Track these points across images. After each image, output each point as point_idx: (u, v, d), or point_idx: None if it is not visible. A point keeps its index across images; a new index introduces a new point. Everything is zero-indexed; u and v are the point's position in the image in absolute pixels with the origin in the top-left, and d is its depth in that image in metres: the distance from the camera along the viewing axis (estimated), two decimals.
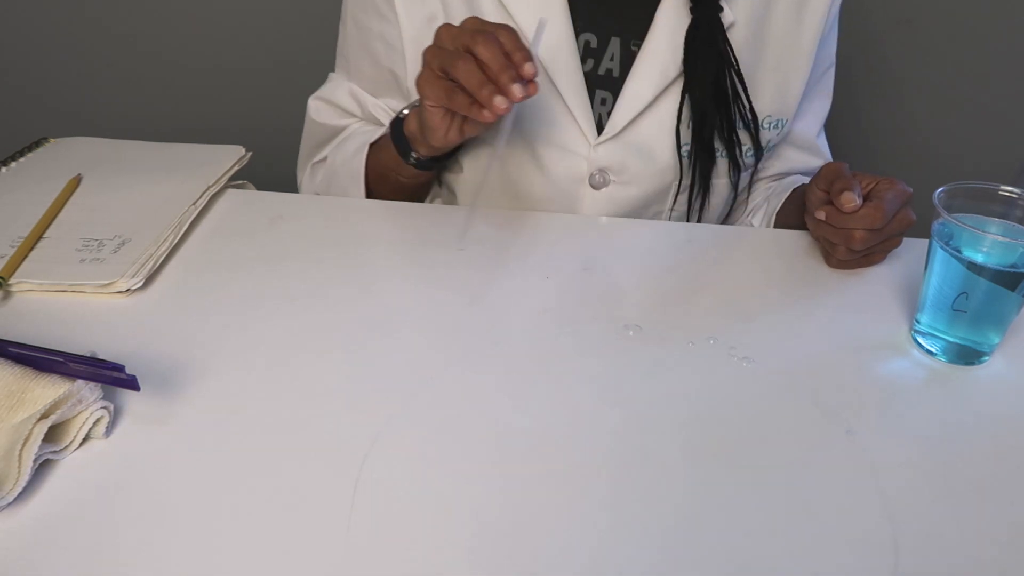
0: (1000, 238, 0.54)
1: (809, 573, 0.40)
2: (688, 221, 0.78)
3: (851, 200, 0.60)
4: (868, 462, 0.46)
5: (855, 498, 0.44)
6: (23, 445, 0.41)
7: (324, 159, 0.82)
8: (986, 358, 0.56)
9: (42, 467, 0.43)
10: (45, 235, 0.64)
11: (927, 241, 0.55)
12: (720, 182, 0.77)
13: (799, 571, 0.40)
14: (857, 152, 1.44)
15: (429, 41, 0.69)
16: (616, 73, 0.73)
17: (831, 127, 0.89)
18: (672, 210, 0.77)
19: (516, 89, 0.54)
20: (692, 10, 0.70)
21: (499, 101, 0.54)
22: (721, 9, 0.70)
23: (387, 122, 0.78)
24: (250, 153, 0.77)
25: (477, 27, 0.56)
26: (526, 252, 0.67)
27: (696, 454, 0.46)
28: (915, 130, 1.42)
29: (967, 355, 0.55)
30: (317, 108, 0.83)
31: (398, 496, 0.43)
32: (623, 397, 0.50)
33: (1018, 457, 0.47)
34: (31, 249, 0.62)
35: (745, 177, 0.78)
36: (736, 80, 0.72)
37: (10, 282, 0.58)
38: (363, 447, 0.46)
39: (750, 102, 0.73)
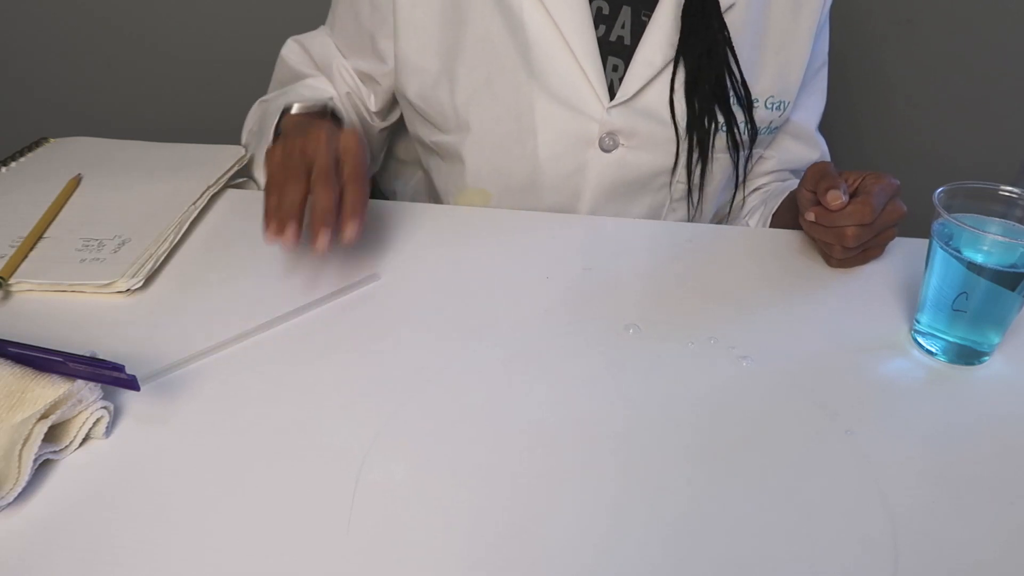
0: (1000, 238, 0.54)
1: (809, 573, 0.40)
2: (691, 195, 0.79)
3: (837, 198, 0.60)
4: (868, 462, 0.46)
5: (855, 498, 0.44)
6: (23, 445, 0.41)
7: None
8: (986, 358, 0.56)
9: (42, 467, 0.43)
10: (45, 235, 0.64)
11: (927, 241, 0.55)
12: (722, 156, 0.78)
13: (798, 570, 0.40)
14: (857, 152, 1.44)
15: (421, 8, 0.72)
16: (627, 41, 0.74)
17: (831, 126, 0.90)
18: (675, 179, 0.78)
19: (320, 239, 0.54)
20: None
21: (288, 235, 0.54)
22: None
23: (340, 88, 0.82)
24: (250, 153, 0.77)
25: (328, 165, 0.56)
26: (526, 252, 0.67)
27: (696, 453, 0.46)
28: (915, 130, 1.42)
29: (967, 355, 0.55)
30: (290, 48, 0.85)
31: (398, 496, 0.43)
32: (623, 396, 0.50)
33: (1018, 457, 0.47)
34: (31, 249, 0.62)
35: (744, 155, 0.79)
36: (729, 54, 0.74)
37: (10, 282, 0.58)
38: (363, 447, 0.46)
39: (743, 77, 0.74)
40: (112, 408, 0.46)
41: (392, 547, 0.40)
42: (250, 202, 0.72)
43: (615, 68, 0.75)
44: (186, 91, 1.44)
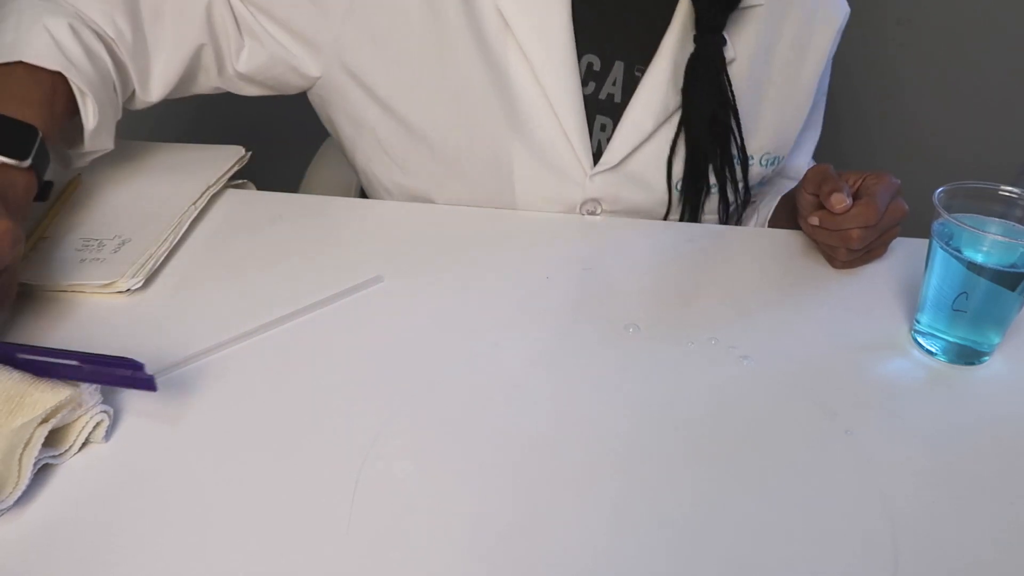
0: (1000, 238, 0.54)
1: (808, 572, 0.40)
2: None
3: (841, 201, 0.60)
4: (868, 462, 0.46)
5: (855, 498, 0.44)
6: (23, 449, 0.41)
7: None
8: (986, 358, 0.56)
9: (42, 471, 0.43)
10: (45, 235, 0.64)
11: (927, 241, 0.55)
12: (709, 218, 0.75)
13: (798, 570, 0.40)
14: (857, 152, 1.44)
15: (396, 35, 0.65)
16: (618, 98, 0.71)
17: (830, 127, 0.89)
18: None
19: None
20: (696, 39, 0.68)
21: None
22: (724, 42, 0.68)
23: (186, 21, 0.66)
24: (250, 153, 0.77)
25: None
26: (526, 252, 0.67)
27: (695, 453, 0.46)
28: (915, 130, 1.42)
29: (967, 355, 0.55)
30: None
31: (398, 496, 0.43)
32: (623, 396, 0.50)
33: (1018, 457, 0.47)
34: (31, 249, 0.62)
35: (733, 214, 0.77)
36: (732, 117, 0.70)
37: None
38: (363, 447, 0.46)
39: (742, 140, 0.72)
40: (112, 412, 0.46)
41: (392, 547, 0.40)
42: (250, 202, 0.72)
43: (603, 128, 0.71)
44: None
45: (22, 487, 0.41)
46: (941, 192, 0.54)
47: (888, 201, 0.62)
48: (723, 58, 0.68)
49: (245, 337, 0.54)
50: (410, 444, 0.46)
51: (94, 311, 0.57)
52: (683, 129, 0.70)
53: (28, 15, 0.57)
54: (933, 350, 0.56)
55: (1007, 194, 0.55)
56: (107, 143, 0.63)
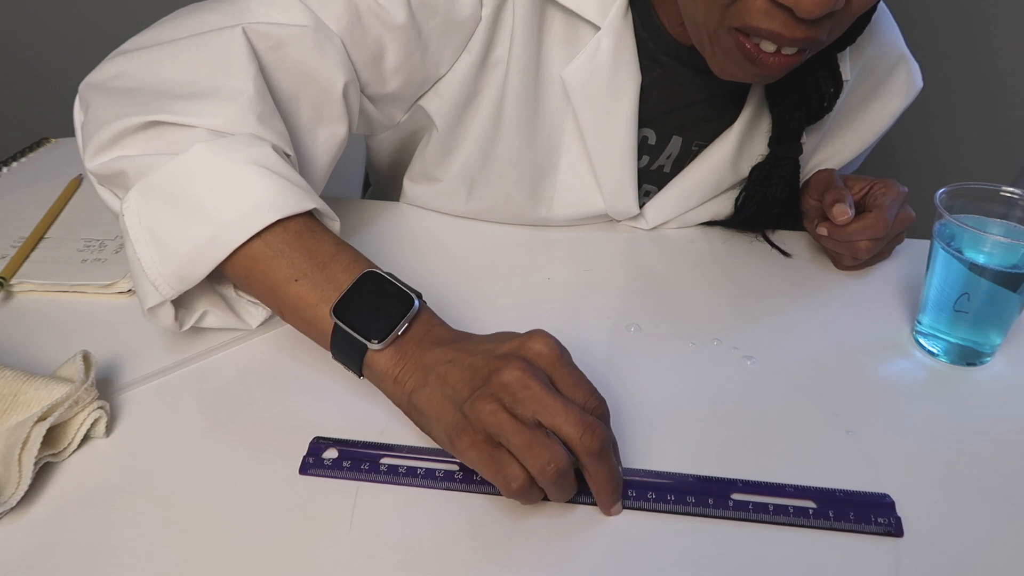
0: (1001, 239, 0.54)
1: (809, 573, 0.40)
2: None
3: (843, 212, 0.60)
4: (869, 462, 0.46)
5: None
6: (22, 448, 0.41)
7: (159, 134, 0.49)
8: (987, 359, 0.55)
9: (44, 470, 0.43)
10: (46, 235, 0.64)
11: (928, 242, 0.55)
12: None
13: (799, 570, 0.40)
14: None
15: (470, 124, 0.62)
16: (667, 169, 0.70)
17: None
18: None
19: (617, 508, 0.43)
20: (771, 145, 0.65)
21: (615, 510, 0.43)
22: (801, 151, 0.65)
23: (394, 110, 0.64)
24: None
25: (601, 441, 0.39)
26: (527, 252, 0.67)
27: (698, 452, 0.46)
28: (915, 130, 1.41)
29: (968, 356, 0.55)
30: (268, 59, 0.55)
31: (400, 494, 0.43)
32: (623, 396, 0.50)
33: (1019, 458, 0.47)
34: (32, 249, 0.62)
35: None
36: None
37: (11, 282, 0.58)
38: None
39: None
40: (108, 407, 0.46)
41: (394, 548, 0.40)
42: None
43: (647, 193, 0.71)
44: None
45: (24, 487, 0.40)
46: (942, 193, 0.54)
47: (897, 212, 0.62)
48: (798, 163, 0.66)
49: (248, 336, 0.54)
50: (412, 442, 0.46)
51: (95, 311, 0.57)
52: (742, 217, 0.70)
53: (241, 158, 0.46)
54: (935, 351, 0.56)
55: (1008, 195, 0.55)
56: None
